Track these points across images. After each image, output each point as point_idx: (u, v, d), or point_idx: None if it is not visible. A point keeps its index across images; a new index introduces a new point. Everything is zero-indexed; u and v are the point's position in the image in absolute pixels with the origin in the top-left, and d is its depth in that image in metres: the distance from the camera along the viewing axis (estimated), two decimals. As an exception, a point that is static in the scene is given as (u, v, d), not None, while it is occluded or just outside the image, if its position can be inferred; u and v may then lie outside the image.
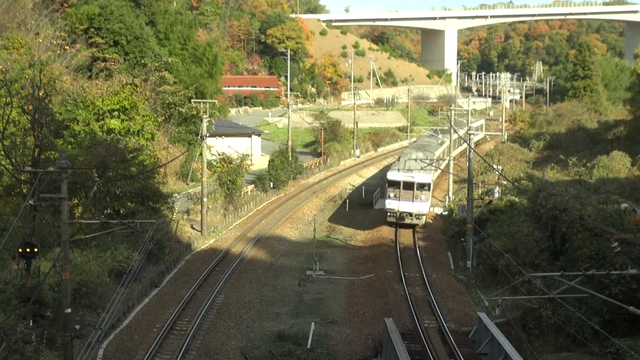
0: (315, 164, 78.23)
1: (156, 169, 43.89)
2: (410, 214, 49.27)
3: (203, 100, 62.00)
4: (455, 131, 61.12)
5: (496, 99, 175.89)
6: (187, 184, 61.49)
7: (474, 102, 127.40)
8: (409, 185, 49.06)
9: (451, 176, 57.09)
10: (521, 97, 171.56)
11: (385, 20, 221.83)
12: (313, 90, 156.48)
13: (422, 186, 49.13)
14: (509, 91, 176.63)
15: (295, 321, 33.07)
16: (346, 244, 50.00)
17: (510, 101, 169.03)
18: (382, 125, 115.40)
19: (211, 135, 53.27)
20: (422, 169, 48.43)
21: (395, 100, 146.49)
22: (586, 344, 25.83)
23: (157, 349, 28.34)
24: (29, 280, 25.44)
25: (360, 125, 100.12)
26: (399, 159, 54.07)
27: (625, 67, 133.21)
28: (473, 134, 43.95)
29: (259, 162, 72.64)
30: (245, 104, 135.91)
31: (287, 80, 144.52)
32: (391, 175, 49.62)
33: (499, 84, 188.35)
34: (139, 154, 42.62)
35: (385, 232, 50.79)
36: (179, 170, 62.41)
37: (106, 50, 63.47)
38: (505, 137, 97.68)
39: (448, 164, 58.28)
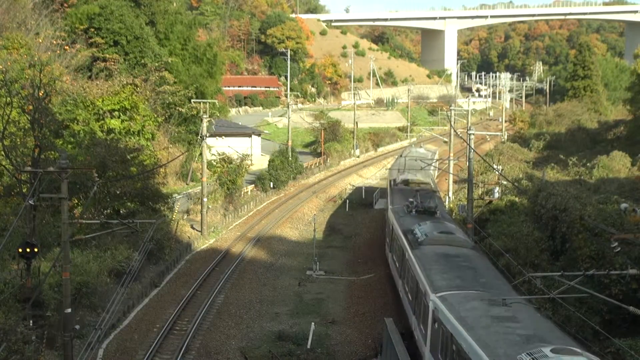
0: (315, 164, 78.21)
1: (156, 169, 43.89)
2: None
3: (203, 100, 62.06)
4: (455, 132, 61.04)
5: (495, 98, 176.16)
6: (187, 184, 61.48)
7: (474, 102, 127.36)
8: None
9: (451, 176, 57.04)
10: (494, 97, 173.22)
11: (385, 20, 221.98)
12: (313, 90, 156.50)
13: None
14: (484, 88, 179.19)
15: (295, 321, 33.05)
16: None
17: (488, 96, 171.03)
18: (382, 125, 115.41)
19: (211, 135, 53.27)
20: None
21: (395, 100, 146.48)
22: (586, 344, 25.81)
23: (157, 349, 28.33)
24: (29, 280, 25.44)
25: (360, 125, 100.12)
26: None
27: (625, 67, 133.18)
28: (473, 133, 43.31)
29: (259, 162, 72.64)
30: (245, 104, 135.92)
31: (287, 80, 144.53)
32: None
33: (499, 84, 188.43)
34: (139, 154, 42.64)
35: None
36: (179, 170, 62.42)
37: (106, 50, 63.51)
38: (505, 137, 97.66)
39: (448, 164, 58.25)
